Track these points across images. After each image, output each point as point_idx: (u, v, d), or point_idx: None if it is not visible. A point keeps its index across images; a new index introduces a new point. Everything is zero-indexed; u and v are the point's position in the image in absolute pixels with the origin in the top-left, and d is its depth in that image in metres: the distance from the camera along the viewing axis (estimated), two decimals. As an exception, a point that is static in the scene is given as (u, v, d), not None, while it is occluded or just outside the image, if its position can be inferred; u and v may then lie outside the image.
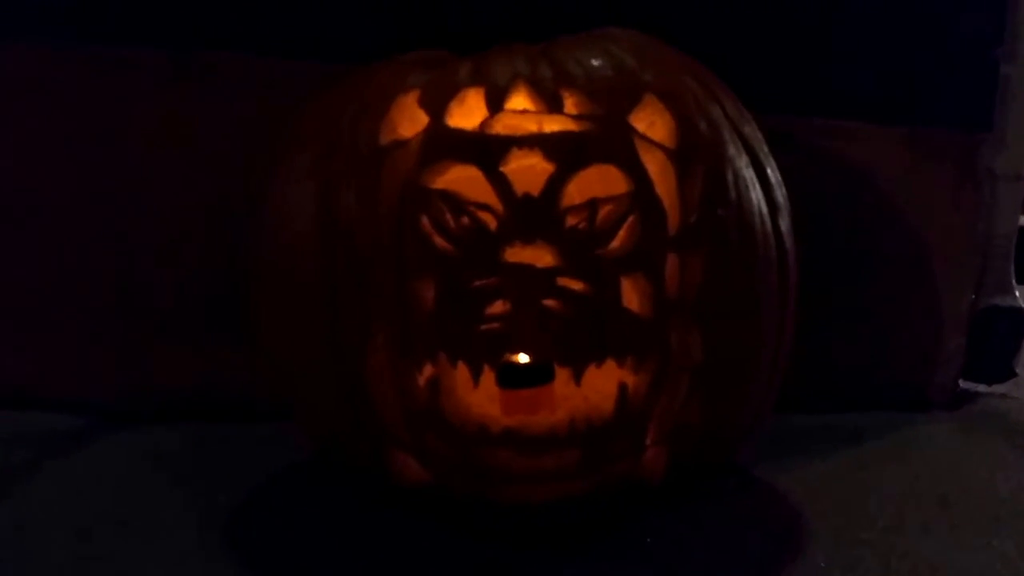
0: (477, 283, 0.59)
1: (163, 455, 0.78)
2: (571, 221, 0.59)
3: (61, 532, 0.65)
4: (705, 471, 0.69)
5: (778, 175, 0.66)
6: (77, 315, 0.85)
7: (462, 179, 0.59)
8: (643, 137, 0.60)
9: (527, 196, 0.59)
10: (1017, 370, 0.96)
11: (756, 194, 0.63)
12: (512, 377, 0.61)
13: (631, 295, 0.59)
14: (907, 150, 0.89)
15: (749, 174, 0.63)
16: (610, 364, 0.60)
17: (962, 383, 0.96)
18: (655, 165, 0.60)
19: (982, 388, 0.97)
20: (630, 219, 0.59)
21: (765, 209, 0.63)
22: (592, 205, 0.59)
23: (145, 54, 0.83)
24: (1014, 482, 0.78)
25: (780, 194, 0.65)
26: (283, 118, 0.69)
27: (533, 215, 0.59)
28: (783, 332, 0.65)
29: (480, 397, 0.60)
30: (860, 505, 0.72)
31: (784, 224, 0.65)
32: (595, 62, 0.62)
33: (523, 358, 0.61)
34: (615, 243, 0.59)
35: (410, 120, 0.61)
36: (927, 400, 0.92)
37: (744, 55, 0.85)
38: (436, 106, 0.61)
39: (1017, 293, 0.94)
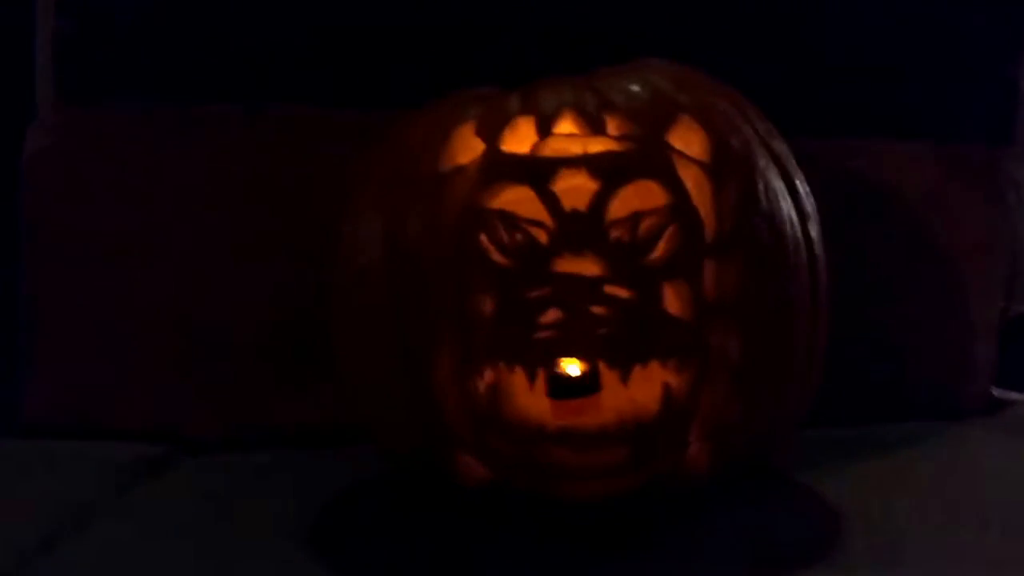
0: (531, 294, 0.64)
1: (239, 479, 0.83)
2: (615, 233, 0.64)
3: (145, 555, 0.69)
4: (748, 473, 0.73)
5: (807, 187, 0.71)
6: (157, 351, 0.91)
7: (516, 200, 0.65)
8: (680, 153, 0.65)
9: (575, 211, 0.64)
10: (1050, 377, 1.00)
11: (786, 203, 0.68)
12: (562, 389, 0.66)
13: (673, 300, 0.64)
14: (931, 166, 0.93)
15: (779, 185, 0.68)
16: (654, 365, 0.64)
17: (997, 392, 0.99)
18: (692, 179, 0.65)
19: (1015, 395, 1.00)
20: (670, 229, 0.64)
21: (795, 217, 0.68)
22: (635, 217, 0.64)
23: (222, 109, 0.91)
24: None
25: (809, 204, 0.70)
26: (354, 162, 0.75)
27: (581, 228, 0.64)
28: (816, 332, 0.70)
29: (537, 399, 0.65)
30: (895, 504, 0.76)
31: (814, 231, 0.70)
32: (634, 88, 0.68)
33: (572, 370, 0.66)
34: (657, 252, 0.64)
35: (467, 148, 0.67)
36: (961, 409, 0.95)
37: (766, 82, 0.89)
38: (491, 133, 0.67)
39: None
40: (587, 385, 0.65)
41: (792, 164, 0.71)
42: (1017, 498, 0.77)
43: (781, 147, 0.71)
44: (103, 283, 0.91)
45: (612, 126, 0.66)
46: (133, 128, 0.92)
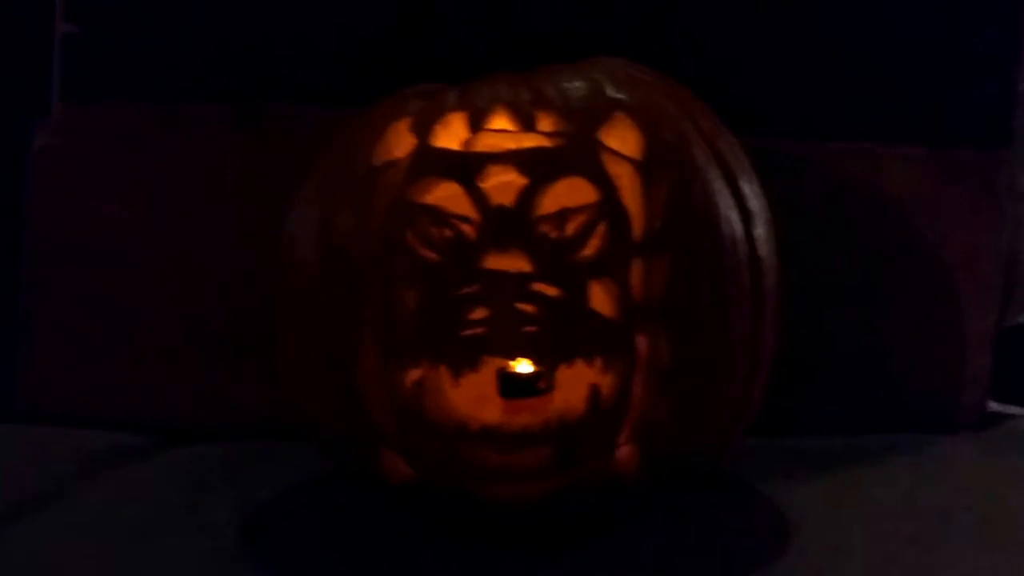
0: (458, 291, 0.63)
1: (204, 468, 0.84)
2: (543, 229, 0.63)
3: (88, 536, 0.71)
4: (691, 478, 0.71)
5: (755, 187, 0.69)
6: (147, 343, 0.93)
7: (447, 196, 0.64)
8: (611, 151, 0.64)
9: (501, 207, 0.63)
10: (1051, 391, 0.95)
11: (726, 203, 0.66)
12: (513, 388, 0.65)
13: (600, 299, 0.63)
14: (924, 169, 0.90)
15: (719, 185, 0.66)
16: (580, 365, 0.63)
17: (995, 405, 0.95)
18: (624, 176, 0.64)
19: (1014, 410, 0.96)
20: (600, 227, 0.63)
21: (736, 217, 0.66)
22: (562, 214, 0.63)
23: (216, 109, 0.93)
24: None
25: (755, 204, 0.68)
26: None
27: (507, 224, 0.63)
28: (760, 336, 0.68)
29: (460, 398, 0.64)
30: (856, 518, 0.73)
31: (759, 232, 0.68)
32: (570, 85, 0.67)
33: (523, 368, 0.66)
34: (587, 250, 0.63)
35: (401, 143, 0.67)
36: (955, 422, 0.91)
37: (755, 83, 0.89)
38: (423, 129, 0.66)
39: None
40: (539, 385, 0.65)
41: (740, 164, 0.69)
42: (989, 517, 0.74)
43: (728, 147, 0.69)
44: (97, 276, 0.93)
45: (545, 122, 0.65)
46: (130, 126, 0.94)
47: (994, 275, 0.91)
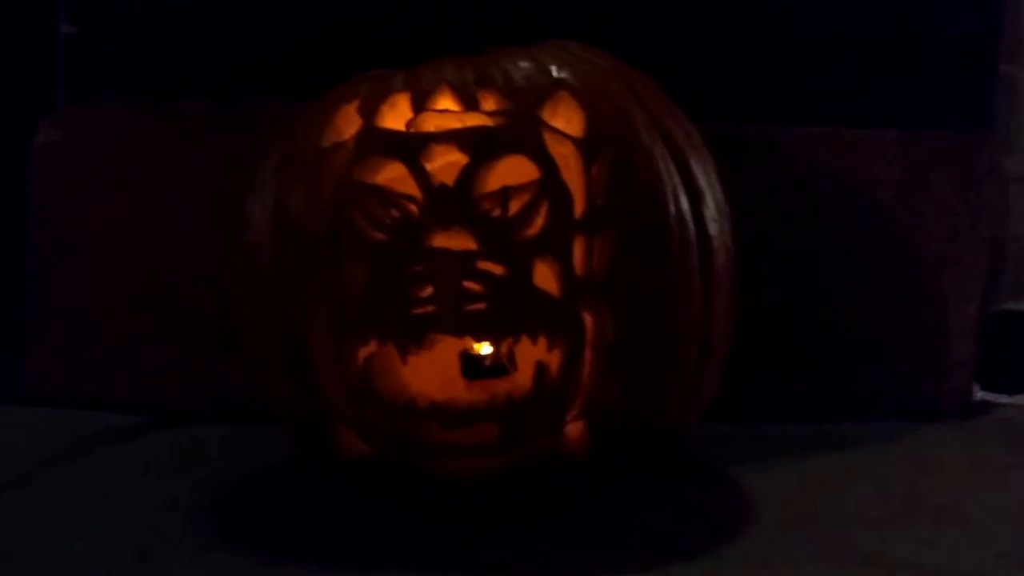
0: (405, 270, 0.64)
1: (188, 450, 0.86)
2: (486, 207, 0.64)
3: (68, 510, 0.73)
4: (654, 460, 0.72)
5: (707, 167, 0.69)
6: (137, 326, 0.96)
7: (393, 176, 0.66)
8: (553, 129, 0.65)
9: (443, 185, 0.64)
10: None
11: (672, 181, 0.66)
12: (475, 369, 0.67)
13: (544, 276, 0.64)
14: (900, 154, 0.89)
15: (666, 164, 0.67)
16: (525, 342, 0.64)
17: (982, 394, 0.94)
18: (566, 155, 0.65)
19: (1003, 399, 0.94)
20: (542, 205, 0.64)
21: (683, 195, 0.67)
22: (504, 192, 0.64)
23: (198, 105, 0.97)
24: (998, 487, 0.76)
25: (704, 182, 0.68)
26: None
27: (449, 203, 0.64)
28: (711, 316, 0.68)
29: (409, 375, 0.66)
30: (825, 502, 0.73)
31: (709, 211, 0.68)
32: (514, 66, 0.68)
33: (486, 350, 0.67)
34: (530, 229, 0.64)
35: (349, 125, 0.68)
36: (939, 410, 0.91)
37: (726, 68, 0.89)
38: (370, 110, 0.68)
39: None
40: (501, 366, 0.66)
41: (691, 144, 0.69)
42: (960, 503, 0.73)
43: (677, 127, 0.69)
44: (98, 266, 0.96)
45: (488, 102, 0.66)
46: (124, 122, 0.97)
47: (977, 260, 0.90)
